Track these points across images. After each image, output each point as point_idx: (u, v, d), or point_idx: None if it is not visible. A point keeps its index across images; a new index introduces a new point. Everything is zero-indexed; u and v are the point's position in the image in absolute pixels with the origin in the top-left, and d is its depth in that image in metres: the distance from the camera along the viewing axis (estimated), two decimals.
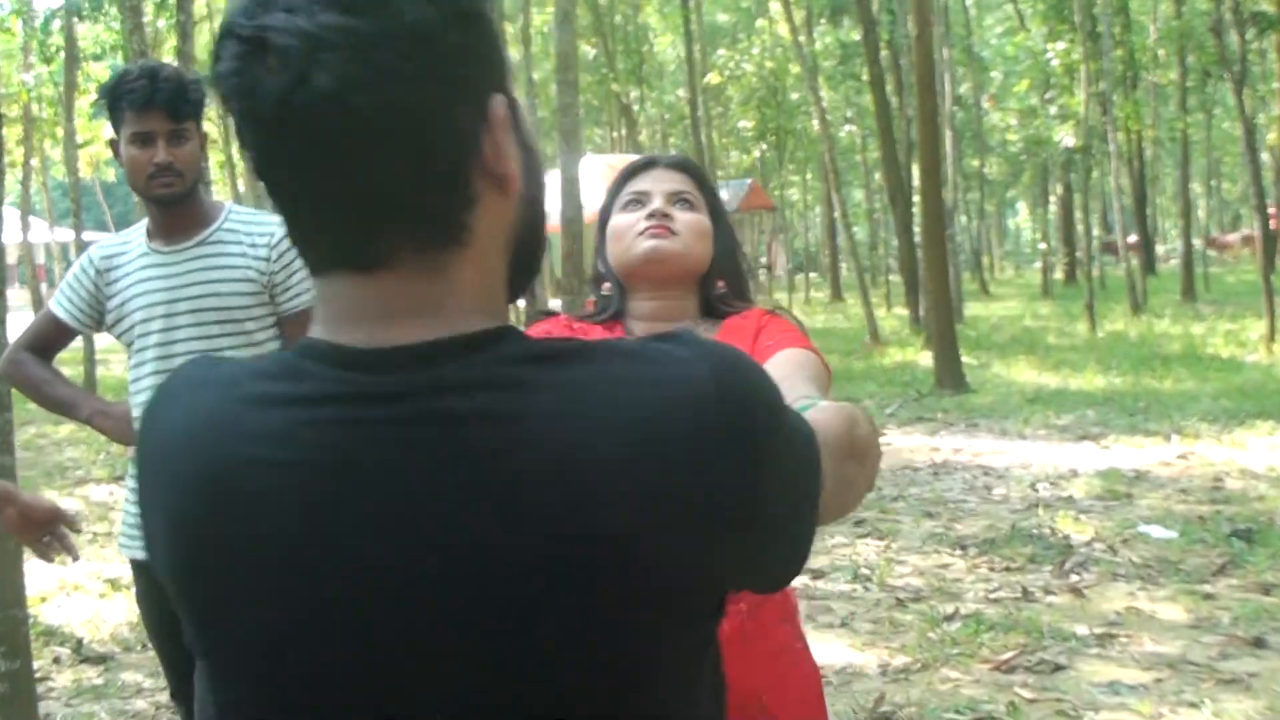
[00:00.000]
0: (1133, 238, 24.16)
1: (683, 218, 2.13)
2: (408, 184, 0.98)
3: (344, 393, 0.97)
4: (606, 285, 2.18)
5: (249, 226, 3.19)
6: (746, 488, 0.98)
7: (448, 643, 0.95)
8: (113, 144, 3.14)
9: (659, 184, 2.17)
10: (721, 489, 0.96)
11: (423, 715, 0.96)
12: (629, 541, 0.93)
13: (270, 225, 3.21)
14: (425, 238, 0.99)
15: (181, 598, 1.05)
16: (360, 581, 0.95)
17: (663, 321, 2.08)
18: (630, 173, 2.22)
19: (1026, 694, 4.68)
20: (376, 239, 0.98)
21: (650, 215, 2.12)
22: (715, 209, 2.22)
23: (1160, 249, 47.42)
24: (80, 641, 5.87)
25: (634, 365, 0.98)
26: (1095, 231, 28.63)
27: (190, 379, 1.07)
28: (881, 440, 7.14)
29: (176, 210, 3.14)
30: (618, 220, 2.17)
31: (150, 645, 3.67)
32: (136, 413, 3.17)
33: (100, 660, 5.62)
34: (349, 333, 0.99)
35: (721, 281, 2.18)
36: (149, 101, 3.01)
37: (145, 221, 3.24)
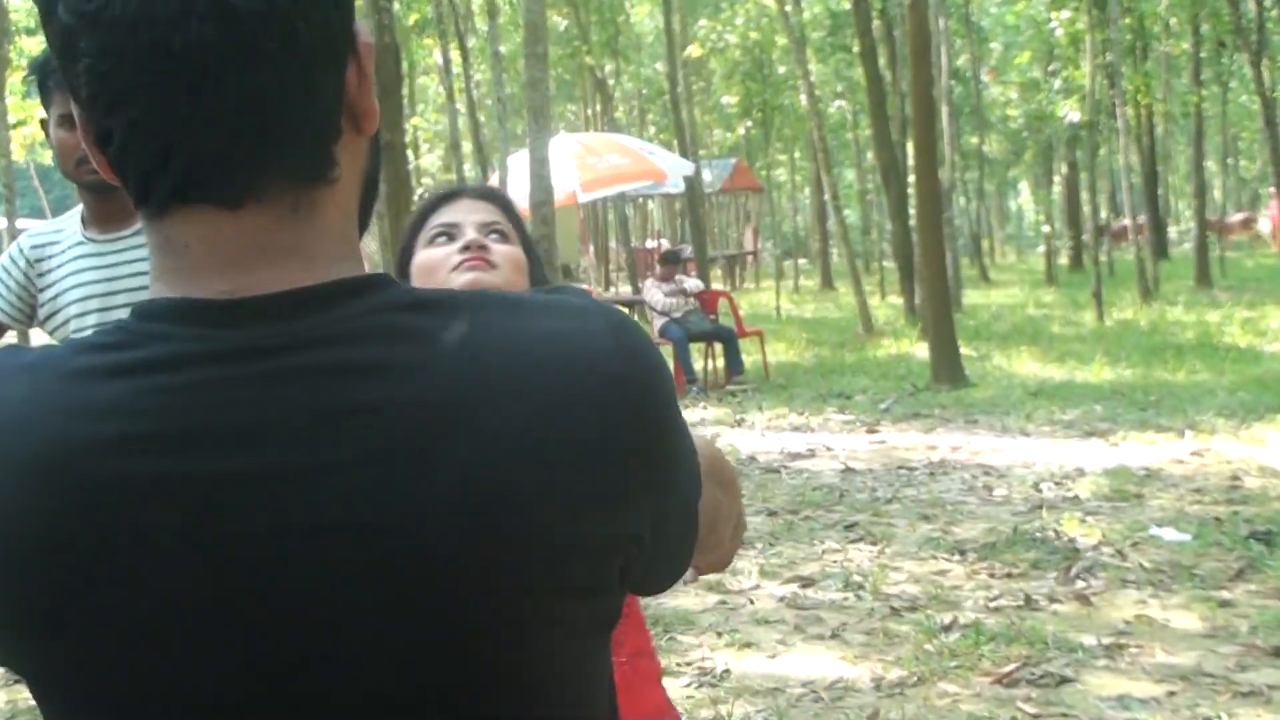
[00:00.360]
0: (1139, 218, 24.24)
1: (499, 249, 2.11)
2: (285, 104, 0.94)
3: (204, 351, 0.93)
4: None
5: None
6: (650, 450, 0.99)
7: (342, 623, 0.92)
8: (44, 124, 3.13)
9: (469, 215, 2.14)
10: (625, 447, 0.97)
11: (319, 707, 0.94)
12: (531, 500, 0.93)
13: None
14: (297, 171, 0.96)
15: (5, 611, 0.95)
16: (244, 559, 0.91)
17: None
18: (433, 205, 2.18)
19: (1030, 709, 4.70)
20: (247, 168, 0.94)
21: (466, 247, 2.08)
22: (526, 241, 2.20)
23: (1173, 231, 47.62)
24: None
25: (528, 315, 0.98)
26: (1103, 213, 28.74)
27: None
28: (875, 438, 7.18)
29: (111, 197, 3.12)
30: (426, 256, 2.12)
31: None
32: None
33: None
34: (208, 284, 0.95)
35: None
36: None
37: (80, 208, 3.23)
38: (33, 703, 4.95)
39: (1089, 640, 5.37)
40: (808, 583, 6.48)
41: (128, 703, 0.95)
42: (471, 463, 0.91)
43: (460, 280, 2.05)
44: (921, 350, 15.64)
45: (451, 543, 0.91)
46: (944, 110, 21.53)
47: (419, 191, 26.25)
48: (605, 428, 0.96)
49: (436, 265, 2.09)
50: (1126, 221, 25.71)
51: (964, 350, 14.62)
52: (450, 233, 2.12)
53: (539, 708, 0.99)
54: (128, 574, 0.91)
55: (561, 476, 0.94)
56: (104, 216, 3.16)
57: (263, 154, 0.94)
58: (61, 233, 3.24)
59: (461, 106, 29.13)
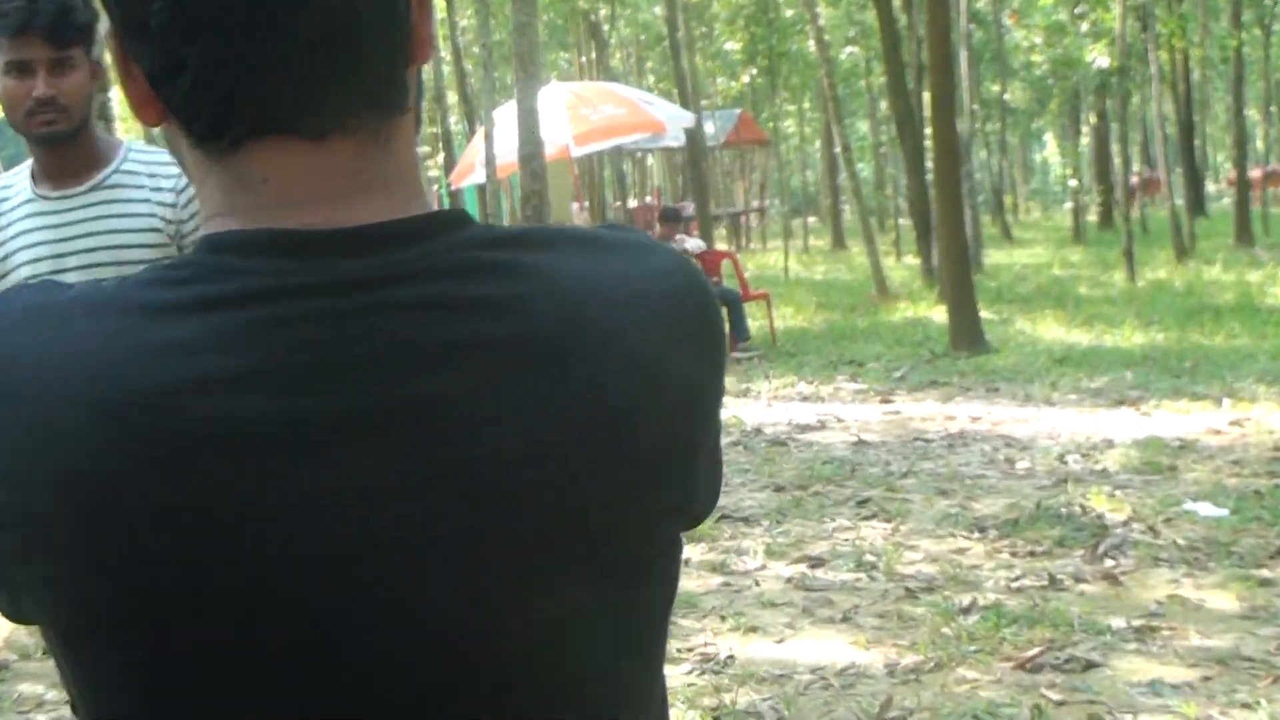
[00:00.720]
0: (1158, 174, 24.20)
1: None
2: (371, 29, 0.97)
3: (295, 285, 0.93)
4: None
5: (152, 168, 3.17)
6: (717, 385, 1.08)
7: (436, 568, 0.94)
8: None
9: None
10: (704, 386, 1.05)
11: (406, 663, 0.95)
12: (633, 437, 0.99)
13: (177, 166, 3.18)
14: (379, 100, 0.98)
15: (71, 575, 0.92)
16: (343, 504, 0.92)
17: None
18: None
19: (1054, 695, 4.71)
20: (335, 97, 0.96)
21: None
22: None
23: (1211, 187, 47.58)
24: None
25: (608, 253, 1.04)
26: (1135, 166, 28.71)
27: (33, 305, 0.96)
28: (889, 408, 7.17)
29: (63, 150, 3.11)
30: None
31: (48, 651, 3.65)
32: None
33: None
34: (290, 218, 0.96)
35: None
36: (26, 25, 2.97)
37: (29, 163, 3.22)
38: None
39: (1118, 622, 5.38)
40: (817, 563, 6.49)
41: (192, 663, 0.93)
42: (571, 400, 0.96)
43: None
44: (939, 314, 15.65)
45: (564, 478, 0.96)
46: (963, 56, 21.47)
47: None
48: (687, 366, 1.03)
49: None
50: (1160, 174, 25.59)
51: (984, 314, 14.63)
52: None
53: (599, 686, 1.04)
54: (218, 520, 0.91)
55: (655, 415, 1.00)
56: (56, 172, 3.15)
57: (350, 82, 0.96)
58: (10, 189, 3.22)
59: (446, 54, 29.04)
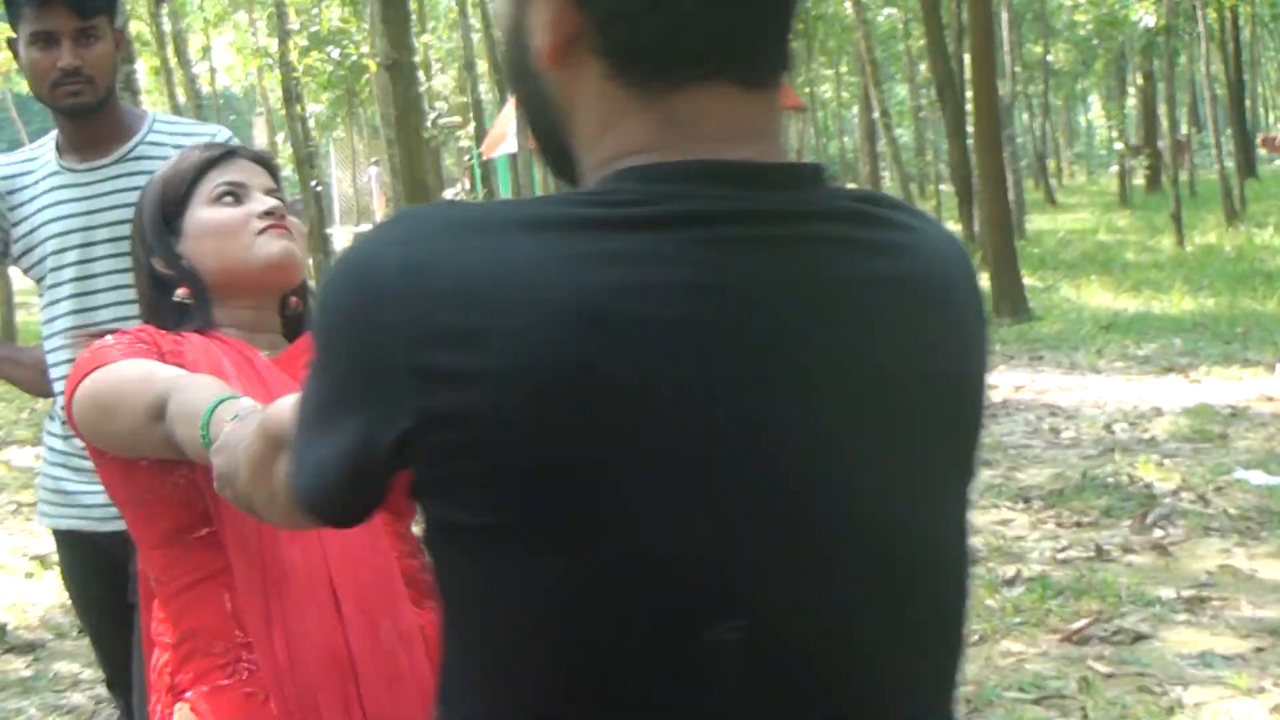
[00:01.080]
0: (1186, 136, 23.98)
1: (291, 220, 2.11)
2: None
3: (736, 210, 1.05)
4: (184, 290, 2.06)
5: (178, 139, 3.17)
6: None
7: (863, 476, 1.09)
8: (11, 44, 3.12)
9: (253, 178, 2.13)
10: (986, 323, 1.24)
11: (824, 557, 1.08)
12: (980, 367, 1.21)
13: (204, 136, 3.18)
14: (789, 57, 1.13)
15: (514, 468, 1.00)
16: (775, 412, 1.04)
17: (258, 333, 2.05)
18: (209, 162, 2.13)
19: (1102, 668, 4.70)
20: (778, 52, 1.11)
21: (269, 213, 2.07)
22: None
23: (1262, 152, 47.17)
24: (3, 628, 5.92)
25: (926, 216, 1.19)
26: (1183, 128, 28.49)
27: (464, 219, 1.04)
28: None
29: (89, 122, 3.12)
30: (216, 215, 2.08)
31: (83, 629, 3.68)
32: (54, 359, 3.16)
33: (28, 649, 5.67)
34: (718, 154, 1.06)
35: (295, 299, 2.16)
36: None
37: (55, 134, 3.22)
38: (23, 674, 4.95)
39: (1167, 593, 5.36)
40: None
41: (650, 552, 1.03)
42: (949, 332, 1.15)
43: (273, 247, 2.05)
44: (981, 281, 15.57)
45: (947, 415, 1.17)
46: (1004, 16, 21.34)
47: (431, 116, 26.21)
48: (982, 315, 1.23)
49: (236, 227, 2.06)
50: (1193, 137, 25.36)
51: (1028, 280, 14.59)
52: (237, 193, 2.10)
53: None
54: (668, 418, 1.01)
55: (982, 351, 1.22)
56: (82, 143, 3.15)
57: (786, 40, 1.12)
58: (34, 162, 3.23)
59: (476, 21, 29.04)
